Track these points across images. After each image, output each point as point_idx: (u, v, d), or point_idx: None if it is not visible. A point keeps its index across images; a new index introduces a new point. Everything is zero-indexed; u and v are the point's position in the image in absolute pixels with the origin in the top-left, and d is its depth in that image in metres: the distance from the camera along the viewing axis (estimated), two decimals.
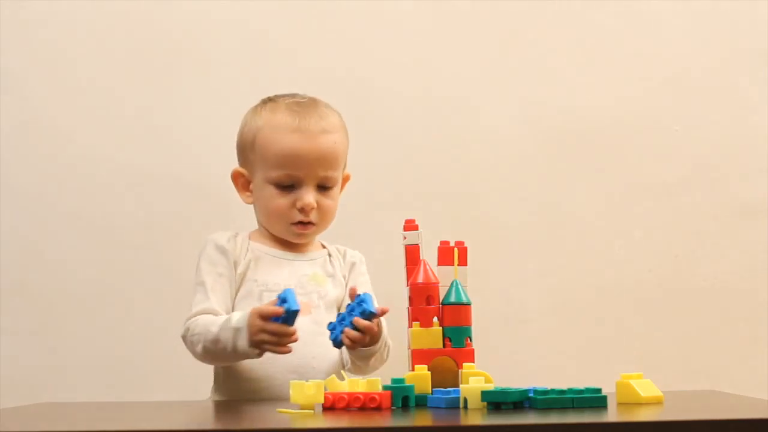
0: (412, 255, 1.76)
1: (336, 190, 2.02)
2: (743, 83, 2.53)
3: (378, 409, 1.55)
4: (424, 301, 1.71)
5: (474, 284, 1.75)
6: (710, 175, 2.51)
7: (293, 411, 1.54)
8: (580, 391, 1.54)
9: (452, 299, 1.71)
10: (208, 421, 1.61)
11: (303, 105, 2.00)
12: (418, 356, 1.68)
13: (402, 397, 1.59)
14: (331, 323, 1.82)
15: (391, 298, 1.94)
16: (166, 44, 2.47)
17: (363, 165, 2.15)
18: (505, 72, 2.50)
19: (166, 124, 2.46)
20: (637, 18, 2.52)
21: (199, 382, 2.08)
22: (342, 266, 2.05)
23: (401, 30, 2.49)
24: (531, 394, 1.54)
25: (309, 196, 1.97)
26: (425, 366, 1.66)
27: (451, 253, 1.76)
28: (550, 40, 2.51)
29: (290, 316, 1.79)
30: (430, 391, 1.62)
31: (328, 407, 1.56)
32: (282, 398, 1.79)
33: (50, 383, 2.40)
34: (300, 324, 1.82)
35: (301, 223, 1.99)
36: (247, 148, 2.02)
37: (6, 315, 2.42)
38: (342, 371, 1.74)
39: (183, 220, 2.43)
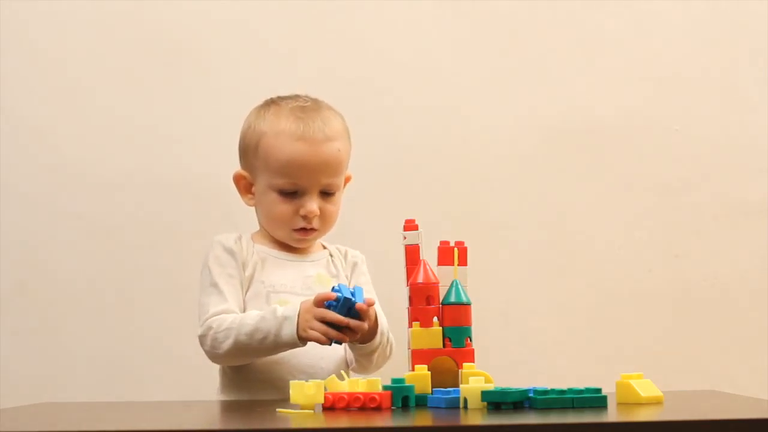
0: (412, 255, 1.76)
1: (338, 195, 2.02)
2: (743, 83, 2.53)
3: (378, 409, 1.55)
4: (424, 301, 1.71)
5: (474, 284, 1.75)
6: (710, 175, 2.51)
7: (293, 411, 1.54)
8: (580, 391, 1.54)
9: (452, 299, 1.71)
10: (208, 421, 1.61)
11: (307, 110, 2.00)
12: (418, 356, 1.68)
13: (402, 397, 1.58)
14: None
15: (391, 298, 1.94)
16: (169, 44, 2.47)
17: (363, 165, 2.15)
18: (505, 72, 2.50)
19: (167, 125, 2.46)
20: (637, 18, 2.52)
21: (199, 383, 2.08)
22: (344, 266, 2.06)
23: (402, 30, 2.49)
24: (531, 394, 1.54)
25: (312, 204, 1.98)
26: (425, 366, 1.66)
27: (451, 253, 1.76)
28: (550, 40, 2.51)
29: (343, 305, 1.80)
30: (430, 391, 1.62)
31: (328, 407, 1.56)
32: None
33: (50, 383, 2.40)
34: None
35: (303, 229, 2.00)
36: (250, 153, 2.02)
37: (6, 315, 2.42)
38: (342, 371, 1.74)
39: (183, 220, 2.43)
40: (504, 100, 2.50)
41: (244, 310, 1.96)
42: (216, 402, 1.92)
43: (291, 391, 1.57)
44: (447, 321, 1.70)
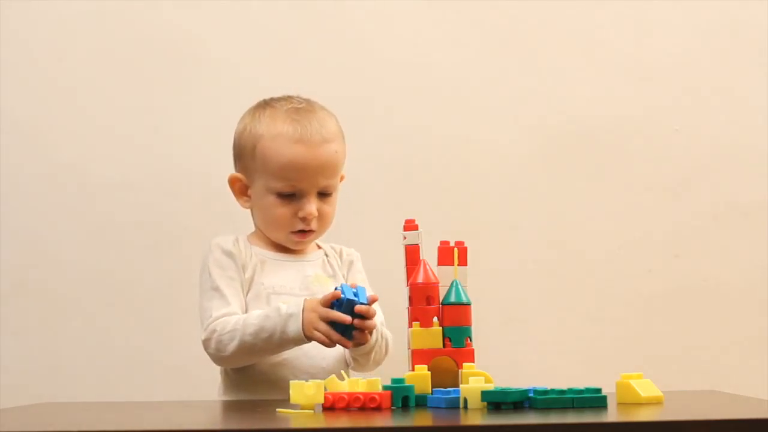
0: (412, 255, 1.76)
1: (335, 195, 2.03)
2: (743, 83, 2.53)
3: (378, 409, 1.55)
4: (424, 301, 1.71)
5: (474, 284, 1.75)
6: (710, 175, 2.51)
7: (293, 411, 1.54)
8: (580, 391, 1.54)
9: (452, 299, 1.71)
10: (208, 421, 1.61)
11: (301, 111, 2.00)
12: (418, 356, 1.68)
13: (402, 397, 1.58)
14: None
15: (391, 298, 1.94)
16: (169, 45, 2.46)
17: (363, 165, 2.15)
18: (505, 72, 2.50)
19: (167, 125, 2.46)
20: (636, 19, 2.52)
21: (200, 383, 2.08)
22: (340, 265, 2.06)
23: (402, 31, 2.49)
24: (531, 394, 1.54)
25: (311, 206, 1.98)
26: (425, 366, 1.66)
27: (451, 253, 1.76)
28: (550, 40, 2.51)
29: (346, 307, 1.81)
30: (430, 391, 1.62)
31: (328, 407, 1.56)
32: None
33: (50, 383, 2.40)
34: None
35: (301, 231, 2.00)
36: (246, 156, 2.01)
37: (6, 315, 2.42)
38: (342, 371, 1.74)
39: (183, 220, 2.43)
40: (504, 100, 2.50)
41: (246, 312, 1.96)
42: (216, 402, 1.92)
43: (291, 391, 1.57)
44: (447, 321, 1.70)
